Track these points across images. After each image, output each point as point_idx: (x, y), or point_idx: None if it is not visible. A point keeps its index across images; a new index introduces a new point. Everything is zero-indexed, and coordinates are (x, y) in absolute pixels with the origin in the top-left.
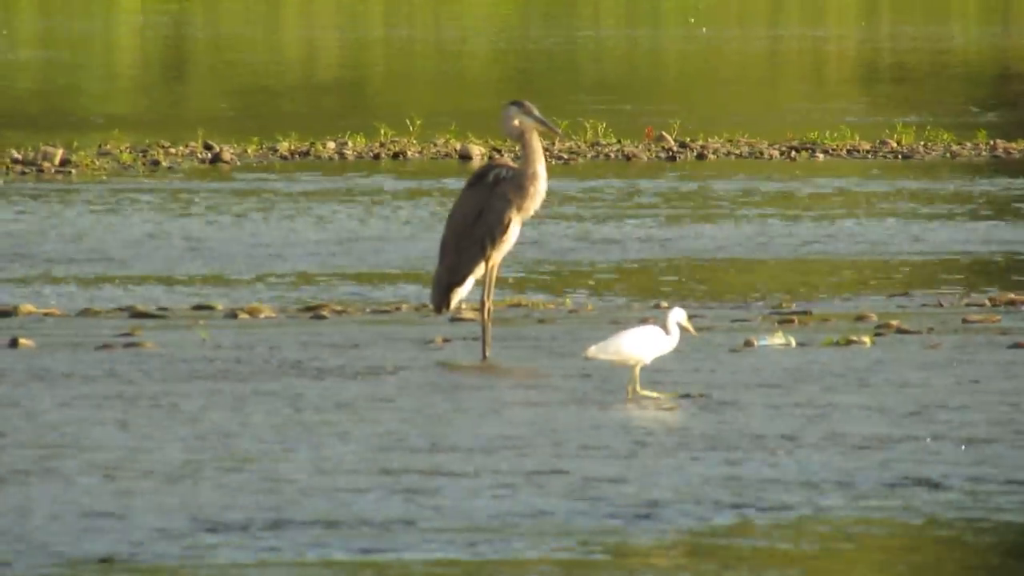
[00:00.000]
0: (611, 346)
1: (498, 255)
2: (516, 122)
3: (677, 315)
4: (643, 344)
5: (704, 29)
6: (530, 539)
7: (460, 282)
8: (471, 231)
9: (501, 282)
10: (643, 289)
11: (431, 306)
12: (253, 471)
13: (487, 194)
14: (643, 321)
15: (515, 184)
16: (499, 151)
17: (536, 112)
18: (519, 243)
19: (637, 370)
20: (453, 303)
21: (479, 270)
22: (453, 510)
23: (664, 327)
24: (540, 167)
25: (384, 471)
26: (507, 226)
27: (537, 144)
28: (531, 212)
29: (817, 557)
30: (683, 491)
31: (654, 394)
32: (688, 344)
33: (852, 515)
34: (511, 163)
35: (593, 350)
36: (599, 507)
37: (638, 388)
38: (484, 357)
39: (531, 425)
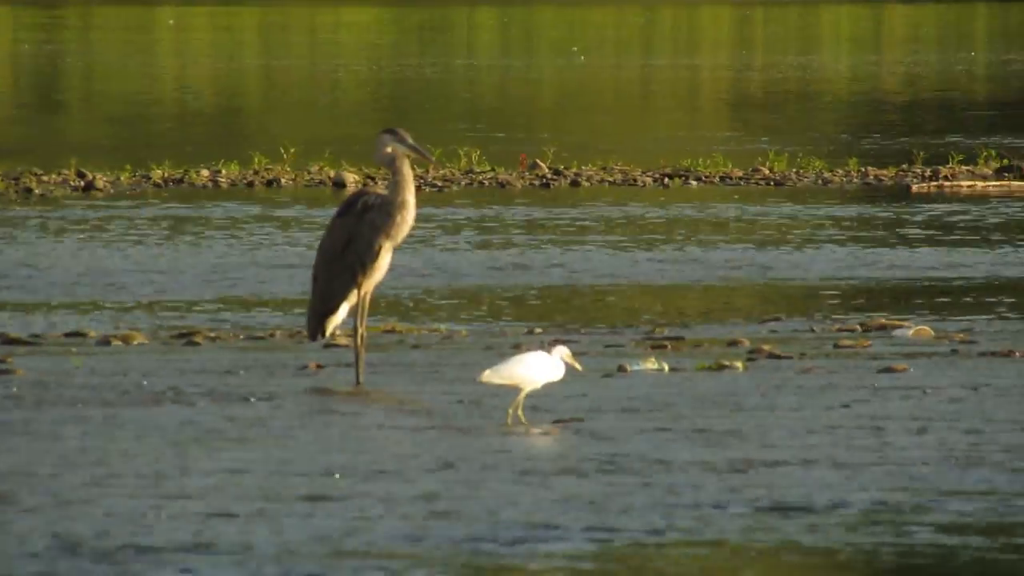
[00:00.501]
0: (505, 370)
1: (370, 283)
2: (389, 149)
3: (561, 352)
4: (536, 369)
5: (582, 58)
6: (395, 564)
7: (333, 310)
8: (341, 259)
9: (375, 308)
10: (517, 315)
11: (307, 333)
12: (121, 497)
13: (356, 222)
14: (520, 348)
15: (383, 212)
16: (373, 179)
17: (409, 139)
18: (394, 269)
19: (523, 396)
20: (328, 330)
21: (352, 297)
22: (322, 536)
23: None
24: (409, 196)
25: (254, 496)
26: (377, 253)
27: (408, 172)
28: (400, 240)
29: None
30: (554, 516)
31: (524, 421)
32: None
33: (724, 538)
34: (381, 191)
35: (488, 374)
36: (470, 531)
37: (520, 412)
38: (357, 383)
39: (403, 450)
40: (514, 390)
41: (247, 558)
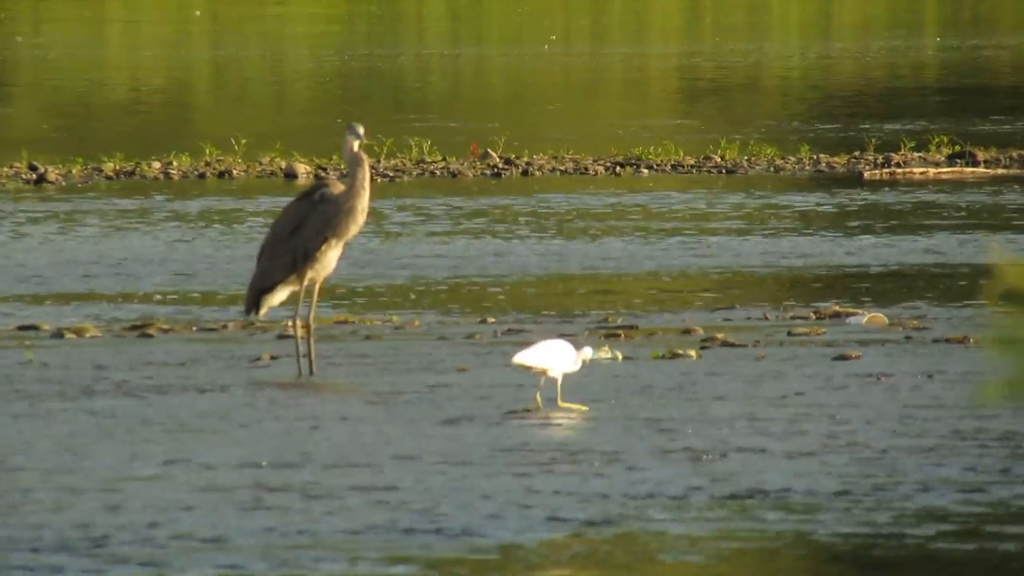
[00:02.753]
0: (536, 354)
1: (314, 273)
2: (354, 148)
3: (586, 352)
4: (566, 356)
5: (545, 47)
6: (345, 554)
7: (269, 289)
8: (286, 242)
9: (327, 298)
10: (471, 305)
11: (244, 308)
12: (82, 490)
13: (309, 210)
14: (475, 337)
15: (336, 207)
16: (324, 169)
17: (364, 157)
18: (346, 259)
19: (559, 381)
20: (263, 309)
21: (292, 283)
22: (270, 527)
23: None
24: (358, 201)
25: (210, 487)
26: (320, 244)
27: (363, 176)
28: (349, 236)
29: (641, 571)
30: (507, 506)
31: (561, 405)
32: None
33: (681, 527)
34: (343, 186)
35: (520, 356)
36: (420, 522)
37: (560, 400)
38: (311, 373)
39: (355, 441)
40: (541, 375)
41: (198, 548)
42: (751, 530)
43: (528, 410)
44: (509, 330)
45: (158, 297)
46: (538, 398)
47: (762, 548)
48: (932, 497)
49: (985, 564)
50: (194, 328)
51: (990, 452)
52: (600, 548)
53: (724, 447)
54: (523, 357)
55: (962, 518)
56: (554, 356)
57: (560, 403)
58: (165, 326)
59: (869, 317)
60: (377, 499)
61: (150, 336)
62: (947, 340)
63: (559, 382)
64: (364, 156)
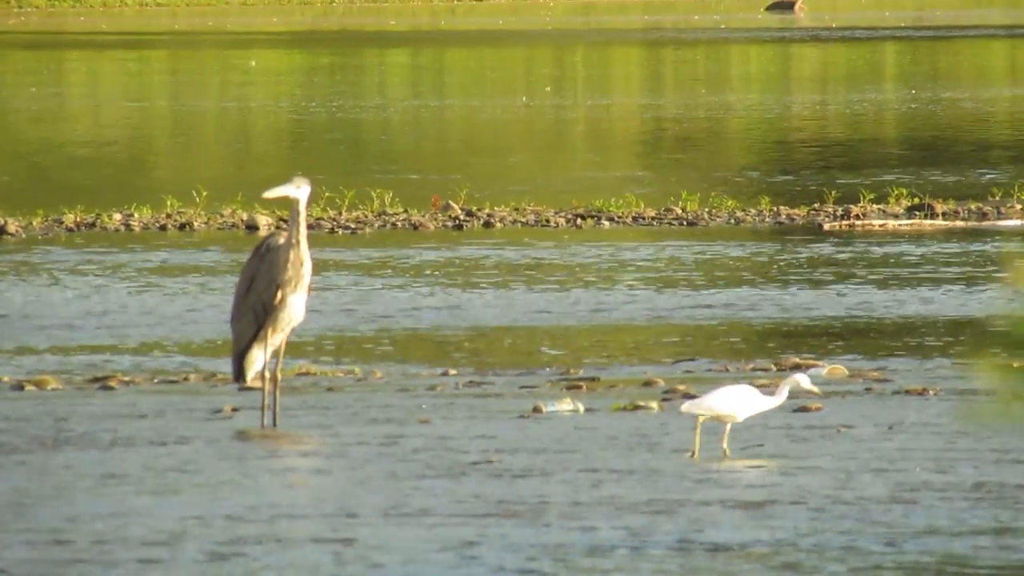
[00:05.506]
0: (705, 402)
1: (277, 324)
2: (291, 197)
3: (802, 379)
4: (737, 402)
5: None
6: None
7: (246, 351)
8: (245, 301)
9: (290, 350)
10: (432, 356)
11: (232, 377)
12: (37, 542)
13: (259, 263)
14: (435, 389)
15: (278, 255)
16: (285, 221)
17: (300, 207)
18: (313, 311)
19: (727, 428)
20: (249, 373)
21: (265, 339)
22: None
23: (775, 391)
24: (299, 247)
25: (174, 538)
26: (274, 293)
27: (297, 219)
28: (296, 285)
29: None
30: (465, 559)
31: (727, 454)
32: (476, 410)
33: None
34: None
35: (687, 406)
36: (380, 575)
37: (724, 445)
38: (274, 425)
39: (316, 492)
40: (719, 422)
41: None
42: None
43: (491, 461)
44: (471, 382)
45: (120, 349)
46: (696, 446)
47: None
48: (896, 548)
49: None
50: (156, 380)
51: (953, 502)
52: None
53: (685, 499)
54: (689, 407)
55: (927, 569)
56: (724, 403)
57: (723, 447)
58: (127, 378)
59: (829, 369)
60: (336, 551)
61: (112, 388)
62: (907, 392)
63: (727, 429)
64: (300, 206)
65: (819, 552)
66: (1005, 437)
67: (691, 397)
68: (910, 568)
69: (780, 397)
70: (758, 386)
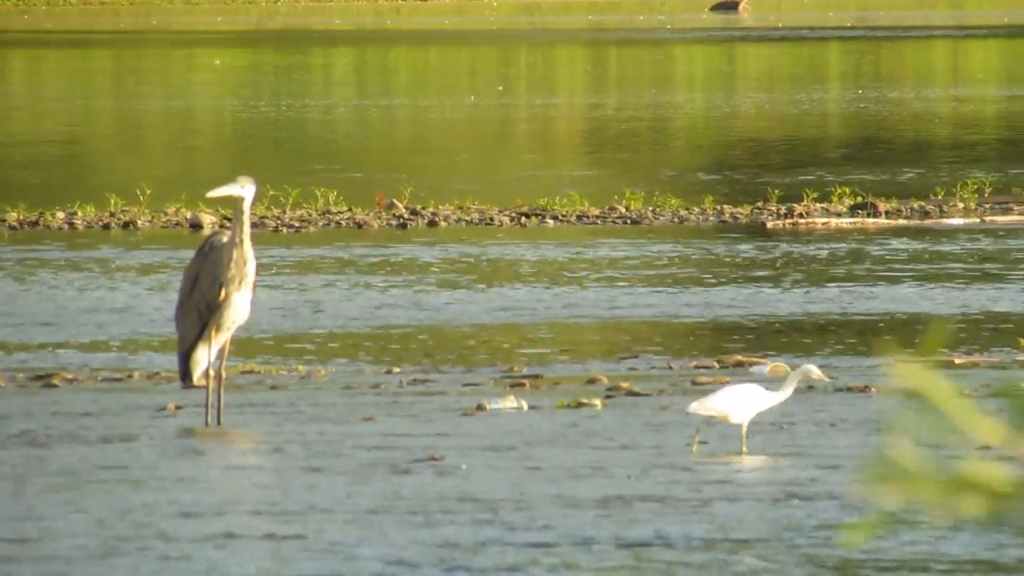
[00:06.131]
0: (710, 402)
1: (222, 322)
2: (235, 196)
3: (803, 371)
4: (741, 401)
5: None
6: None
7: (191, 350)
8: (189, 300)
9: (239, 349)
10: (376, 354)
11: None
12: None
13: (202, 262)
14: (379, 387)
15: (221, 252)
16: (229, 219)
17: (244, 206)
18: (258, 309)
19: (744, 428)
20: (195, 372)
21: (210, 338)
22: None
23: (783, 385)
24: (242, 246)
25: (117, 538)
26: (218, 292)
27: (240, 217)
28: (240, 282)
29: None
30: (410, 555)
31: (745, 451)
32: (420, 408)
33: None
34: (229, 233)
35: (694, 406)
36: (323, 571)
37: (743, 444)
38: (218, 423)
39: (259, 490)
40: (725, 422)
41: None
42: None
43: (436, 458)
44: (415, 380)
45: (64, 347)
46: (694, 445)
47: None
48: (833, 543)
49: None
50: (100, 378)
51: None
52: None
53: (629, 495)
54: (696, 407)
55: (861, 567)
56: (729, 403)
57: (744, 450)
58: (70, 376)
59: (772, 366)
60: (278, 548)
61: (55, 386)
62: (849, 389)
63: (744, 428)
64: (244, 205)
65: (760, 547)
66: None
67: (634, 394)
68: (843, 559)
69: (785, 392)
70: (704, 384)
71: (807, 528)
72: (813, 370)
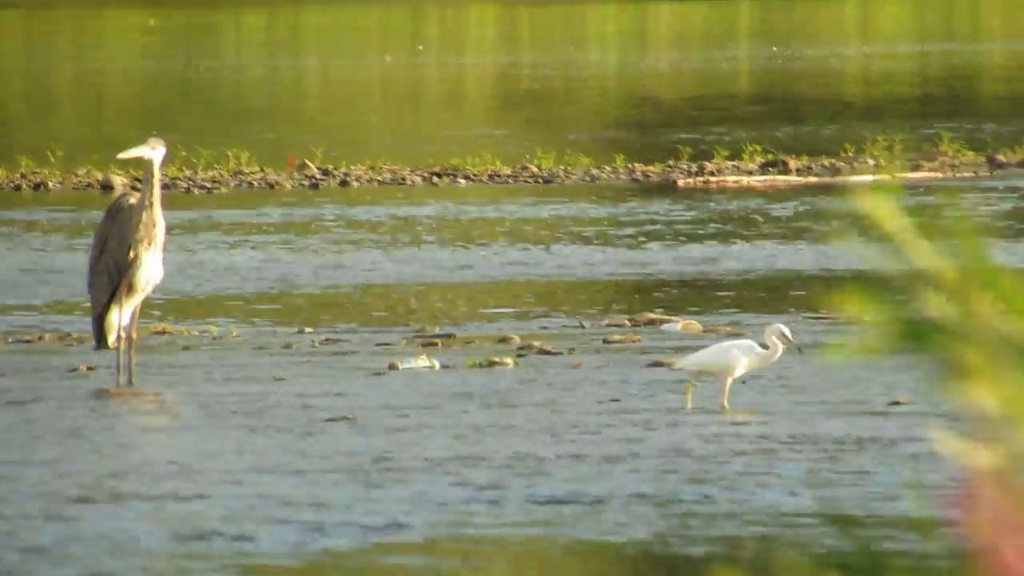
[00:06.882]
0: (697, 358)
1: (135, 284)
2: (145, 157)
3: (775, 330)
4: (729, 357)
5: (388, 58)
6: (162, 564)
7: (104, 314)
8: (99, 262)
9: (147, 310)
10: (288, 315)
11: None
12: None
13: (110, 224)
14: (291, 346)
15: (129, 213)
16: (140, 181)
17: (155, 168)
18: (170, 270)
19: (727, 383)
20: (110, 337)
21: (123, 301)
22: (95, 536)
23: (764, 342)
24: (152, 208)
25: (29, 496)
26: (127, 253)
27: (150, 178)
28: (150, 242)
29: None
30: (317, 513)
31: (726, 406)
32: (332, 368)
33: (489, 533)
34: (138, 195)
35: (680, 362)
36: (233, 531)
37: (725, 403)
38: (130, 383)
39: (170, 450)
40: (710, 377)
41: (22, 562)
42: (564, 536)
43: (347, 417)
44: (327, 340)
45: None
46: (688, 398)
47: (574, 552)
48: (744, 499)
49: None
50: (11, 340)
51: (804, 455)
52: (412, 555)
53: (539, 453)
54: (683, 363)
55: (776, 517)
56: (716, 358)
57: (725, 405)
58: None
59: (683, 324)
60: (191, 508)
61: None
62: (763, 346)
63: (727, 385)
64: (154, 166)
65: (671, 503)
66: (842, 391)
67: (546, 353)
68: (755, 516)
69: (774, 349)
70: (615, 342)
71: (714, 482)
72: (785, 329)
